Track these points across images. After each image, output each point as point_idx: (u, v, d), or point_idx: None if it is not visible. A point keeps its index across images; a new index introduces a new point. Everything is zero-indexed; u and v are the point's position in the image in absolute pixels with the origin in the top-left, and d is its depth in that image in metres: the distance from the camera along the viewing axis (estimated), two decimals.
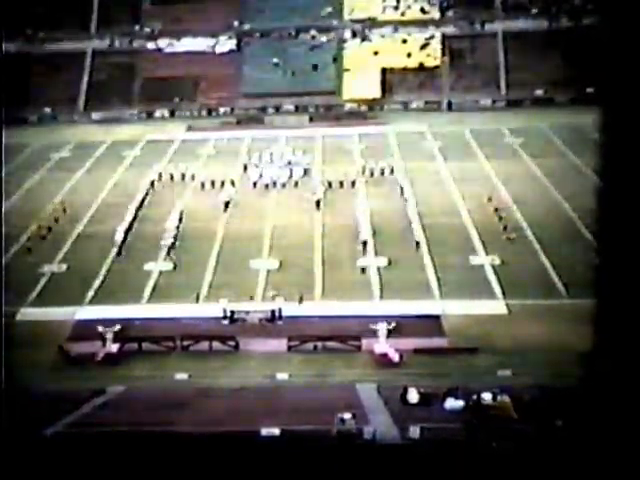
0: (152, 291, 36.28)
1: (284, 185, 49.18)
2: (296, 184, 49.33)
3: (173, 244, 40.36)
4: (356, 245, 39.81)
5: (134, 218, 43.64)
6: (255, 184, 49.31)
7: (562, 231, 40.44)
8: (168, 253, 39.56)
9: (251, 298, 34.25)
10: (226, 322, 32.89)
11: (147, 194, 47.76)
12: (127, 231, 41.86)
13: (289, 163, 51.49)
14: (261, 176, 49.86)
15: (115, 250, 39.99)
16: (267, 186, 49.13)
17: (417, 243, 39.49)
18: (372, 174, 50.02)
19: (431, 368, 28.81)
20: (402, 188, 45.75)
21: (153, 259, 39.17)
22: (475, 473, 8.18)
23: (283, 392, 27.10)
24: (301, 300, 33.80)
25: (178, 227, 42.13)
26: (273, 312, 32.86)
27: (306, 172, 50.90)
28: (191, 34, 72.92)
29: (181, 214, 43.79)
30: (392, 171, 50.06)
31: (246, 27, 74.21)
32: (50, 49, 72.45)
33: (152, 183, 49.66)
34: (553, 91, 66.26)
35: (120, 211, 44.84)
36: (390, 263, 37.98)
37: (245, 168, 51.42)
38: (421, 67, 69.73)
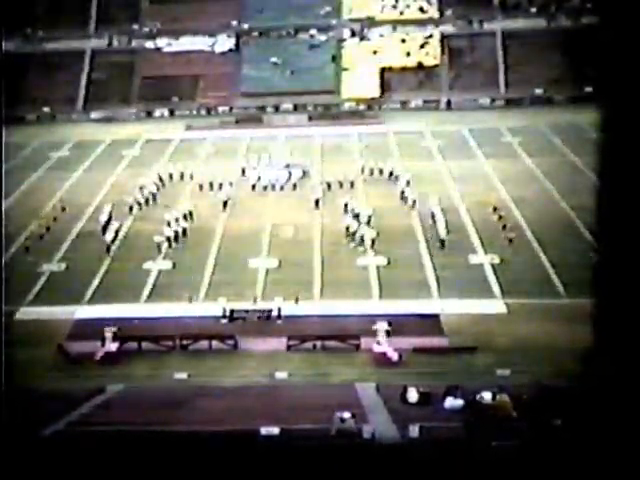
0: (151, 290, 36.29)
1: (282, 188, 49.13)
2: (294, 186, 49.28)
3: (168, 239, 40.33)
4: (356, 244, 39.80)
5: (110, 217, 43.48)
6: (254, 187, 49.21)
7: (561, 230, 40.46)
8: (159, 249, 39.57)
9: (254, 301, 34.18)
10: (225, 321, 32.91)
11: (145, 193, 47.54)
12: (117, 230, 41.94)
13: (287, 166, 51.38)
14: (259, 179, 49.76)
15: (108, 249, 40.09)
16: (265, 188, 49.07)
17: (442, 242, 39.42)
18: (372, 173, 49.98)
19: (430, 367, 28.82)
20: (414, 201, 44.81)
21: (152, 258, 39.16)
22: (474, 472, 8.19)
23: (282, 391, 27.09)
24: (297, 300, 33.81)
25: (176, 225, 41.96)
26: (272, 311, 32.85)
27: (305, 174, 50.81)
28: (190, 33, 72.96)
29: (189, 213, 43.49)
30: (392, 171, 49.87)
31: (245, 26, 74.21)
32: (49, 48, 72.46)
33: (151, 182, 49.54)
34: (552, 90, 66.29)
35: (119, 210, 44.84)
36: (389, 262, 37.98)
37: (243, 172, 51.23)
38: (420, 66, 69.77)
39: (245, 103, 68.60)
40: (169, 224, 41.55)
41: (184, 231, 41.36)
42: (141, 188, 47.67)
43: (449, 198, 45.81)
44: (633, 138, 6.58)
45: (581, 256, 33.39)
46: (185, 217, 42.80)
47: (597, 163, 6.87)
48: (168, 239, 40.40)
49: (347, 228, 40.73)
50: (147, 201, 46.56)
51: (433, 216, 41.87)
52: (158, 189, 48.29)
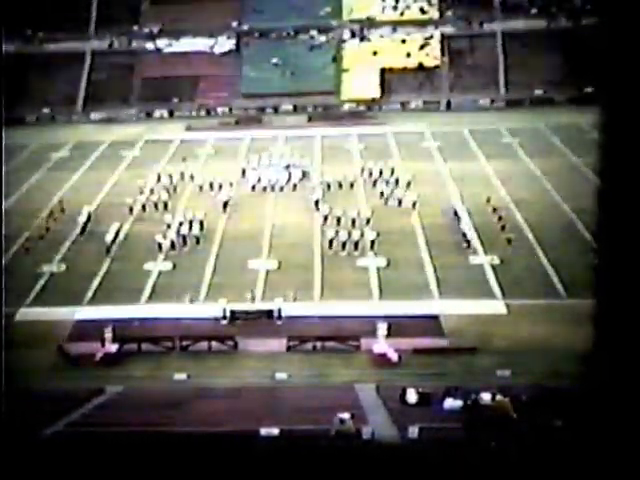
0: (151, 291, 36.27)
1: (282, 188, 49.11)
2: (294, 187, 49.27)
3: (172, 243, 40.29)
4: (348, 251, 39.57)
5: (89, 218, 43.53)
6: (254, 187, 49.17)
7: (561, 231, 40.47)
8: (160, 249, 39.55)
9: (252, 297, 34.19)
10: (225, 322, 32.90)
11: (151, 198, 47.26)
12: (118, 231, 41.88)
13: (287, 166, 51.37)
14: (259, 179, 49.73)
15: (107, 250, 40.08)
16: (265, 189, 49.04)
17: (468, 242, 39.37)
18: (371, 174, 49.94)
19: (430, 368, 28.80)
20: (415, 203, 44.73)
21: (152, 259, 39.15)
22: (474, 473, 8.17)
23: (282, 392, 27.09)
24: (295, 298, 33.81)
25: (180, 228, 41.88)
26: (272, 312, 32.85)
27: (305, 175, 50.78)
28: (190, 34, 73.00)
29: (200, 223, 43.00)
30: (392, 171, 49.86)
31: (245, 27, 74.27)
32: (49, 49, 72.50)
33: (151, 183, 49.52)
34: (552, 91, 66.33)
35: (119, 211, 44.88)
36: (389, 263, 37.96)
37: (243, 173, 51.19)
38: (420, 67, 69.80)
39: (245, 104, 68.63)
40: (169, 226, 41.52)
41: (197, 240, 40.90)
42: (141, 190, 47.65)
43: (449, 199, 45.81)
44: (634, 139, 6.57)
45: (581, 257, 33.41)
46: (191, 223, 42.14)
47: (597, 164, 6.87)
48: (172, 243, 40.25)
49: (330, 241, 39.71)
50: (156, 206, 46.15)
51: (457, 216, 41.94)
52: (170, 196, 47.35)
